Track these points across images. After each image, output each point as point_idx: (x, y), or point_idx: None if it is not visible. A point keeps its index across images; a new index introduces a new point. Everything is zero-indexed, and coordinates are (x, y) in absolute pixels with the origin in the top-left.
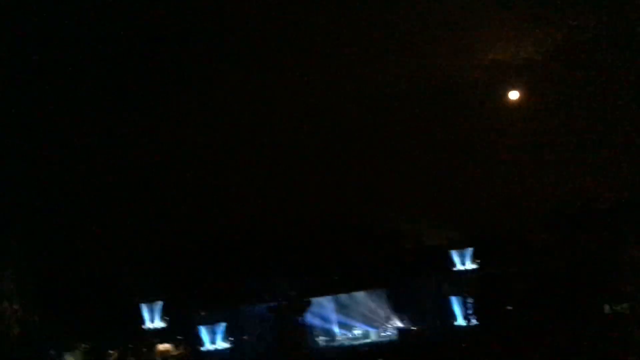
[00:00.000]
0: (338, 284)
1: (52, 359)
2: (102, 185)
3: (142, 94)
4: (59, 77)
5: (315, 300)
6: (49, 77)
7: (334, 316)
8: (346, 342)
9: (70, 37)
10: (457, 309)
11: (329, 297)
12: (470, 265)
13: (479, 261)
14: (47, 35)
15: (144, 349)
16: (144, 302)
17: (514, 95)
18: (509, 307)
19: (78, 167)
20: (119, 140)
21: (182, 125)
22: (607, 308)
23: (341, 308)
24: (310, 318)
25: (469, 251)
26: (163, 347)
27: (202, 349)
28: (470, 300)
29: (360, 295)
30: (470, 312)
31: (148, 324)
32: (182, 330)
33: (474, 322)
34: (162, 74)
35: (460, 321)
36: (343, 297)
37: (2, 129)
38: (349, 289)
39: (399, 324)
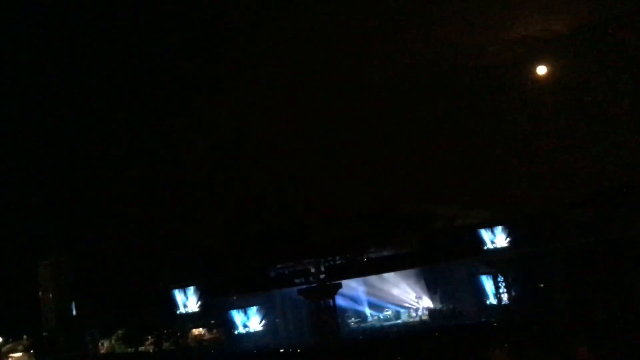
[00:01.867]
0: (368, 266)
1: (89, 346)
2: (136, 176)
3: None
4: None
5: (345, 282)
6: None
7: (364, 298)
8: (377, 324)
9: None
10: (488, 288)
11: (359, 279)
12: (502, 244)
13: (510, 240)
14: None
15: (179, 334)
16: (178, 288)
17: (544, 71)
18: (541, 285)
19: (115, 159)
20: (158, 135)
21: (219, 121)
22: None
23: (371, 289)
24: (341, 300)
25: (501, 230)
26: (197, 331)
27: (235, 332)
28: (501, 279)
29: (390, 276)
30: (502, 290)
31: (182, 309)
32: (215, 314)
33: (505, 300)
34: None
35: (492, 300)
36: (373, 278)
37: (40, 120)
38: (379, 270)
39: (430, 304)
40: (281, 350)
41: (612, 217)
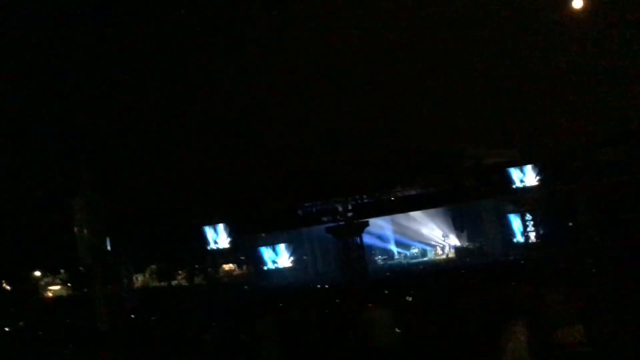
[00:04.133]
0: (395, 205)
1: (124, 279)
2: (167, 115)
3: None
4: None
5: (372, 220)
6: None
7: (391, 236)
8: (404, 261)
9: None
10: (516, 226)
11: (386, 218)
12: (531, 183)
13: (540, 178)
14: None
15: (210, 269)
16: (208, 225)
17: (579, 4)
18: (570, 224)
19: (145, 98)
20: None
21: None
22: None
23: (398, 228)
24: (368, 238)
25: (530, 169)
26: (228, 267)
27: (265, 268)
28: (529, 217)
29: (417, 214)
30: (530, 229)
31: (213, 245)
32: (245, 250)
33: (533, 239)
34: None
35: (520, 238)
36: (400, 217)
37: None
38: (406, 209)
39: (457, 242)
40: (310, 286)
41: None
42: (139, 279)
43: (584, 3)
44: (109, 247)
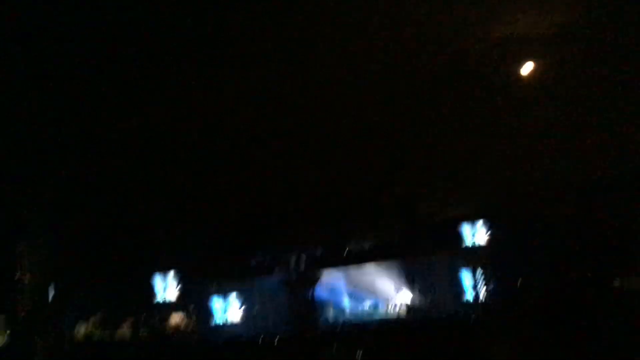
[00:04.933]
0: (348, 257)
1: (63, 328)
2: (117, 165)
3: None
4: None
5: (325, 272)
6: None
7: (344, 289)
8: (355, 315)
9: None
10: (467, 282)
11: (339, 270)
12: (482, 239)
13: (491, 235)
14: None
15: (157, 318)
16: (156, 272)
17: (527, 70)
18: (520, 281)
19: (98, 144)
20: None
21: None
22: (617, 282)
23: (351, 281)
24: (320, 291)
25: (482, 225)
26: (175, 317)
27: (214, 318)
28: (480, 273)
29: (371, 268)
30: (480, 285)
31: (160, 294)
32: (193, 300)
33: (483, 296)
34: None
35: (470, 295)
36: (353, 269)
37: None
38: (359, 261)
39: (409, 297)
40: (260, 340)
41: (594, 215)
42: (81, 331)
43: (536, 68)
44: (53, 294)
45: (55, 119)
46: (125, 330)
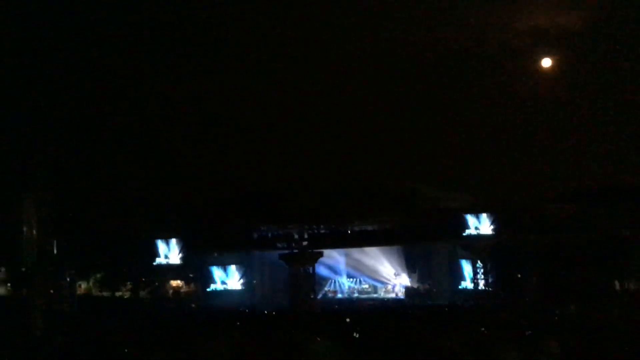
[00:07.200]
0: (351, 238)
1: (67, 284)
2: (126, 121)
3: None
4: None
5: (326, 251)
6: None
7: (344, 269)
8: (353, 295)
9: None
10: (466, 272)
11: (340, 250)
12: (485, 231)
13: (493, 228)
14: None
15: (156, 283)
16: (161, 238)
17: (547, 64)
18: (518, 275)
19: (104, 98)
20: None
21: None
22: (616, 285)
23: (352, 261)
24: (320, 268)
25: (485, 217)
26: (175, 283)
27: (213, 287)
28: (480, 265)
29: (372, 250)
30: (479, 276)
31: (163, 260)
32: (195, 268)
33: (481, 286)
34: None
35: (469, 284)
36: (355, 250)
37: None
38: (361, 243)
39: (407, 282)
40: (257, 311)
41: (594, 216)
42: (82, 286)
43: (552, 64)
44: (55, 250)
45: (58, 80)
46: (125, 290)
